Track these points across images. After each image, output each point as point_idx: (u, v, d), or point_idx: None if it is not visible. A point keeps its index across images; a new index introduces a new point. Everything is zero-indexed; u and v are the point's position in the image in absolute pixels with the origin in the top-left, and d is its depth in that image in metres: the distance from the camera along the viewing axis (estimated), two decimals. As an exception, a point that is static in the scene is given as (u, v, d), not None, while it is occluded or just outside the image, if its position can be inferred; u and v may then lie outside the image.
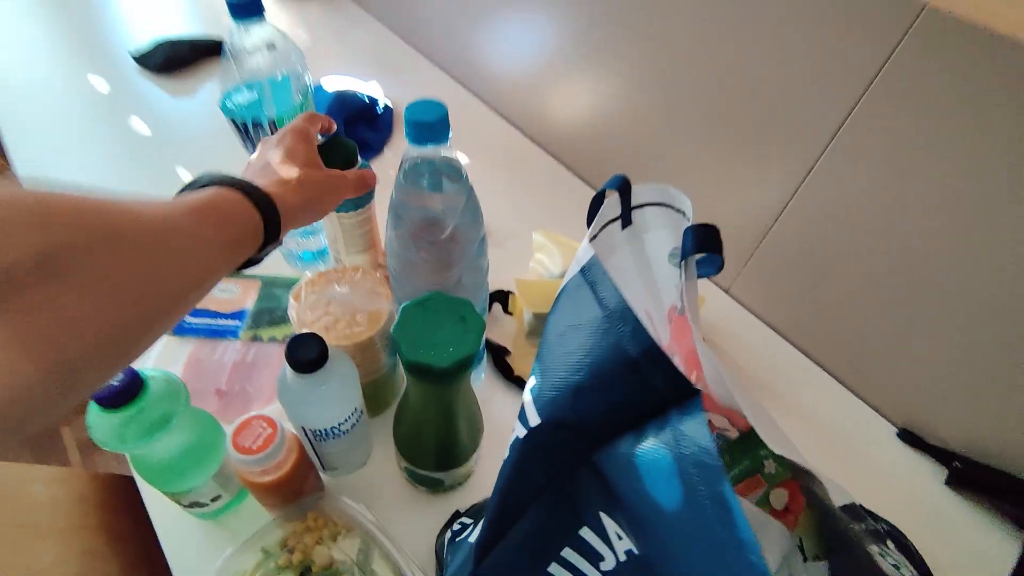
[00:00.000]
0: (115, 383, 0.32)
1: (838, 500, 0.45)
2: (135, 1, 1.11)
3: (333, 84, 0.90)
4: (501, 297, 0.65)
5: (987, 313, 0.49)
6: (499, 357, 0.60)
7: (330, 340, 0.43)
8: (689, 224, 0.36)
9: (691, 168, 0.68)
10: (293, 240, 0.63)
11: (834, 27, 0.49)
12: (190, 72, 0.94)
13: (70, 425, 1.38)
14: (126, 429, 0.33)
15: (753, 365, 0.66)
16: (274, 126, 0.51)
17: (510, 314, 0.65)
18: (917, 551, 0.50)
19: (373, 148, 0.85)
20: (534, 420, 0.28)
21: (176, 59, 0.93)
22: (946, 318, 0.52)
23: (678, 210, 0.37)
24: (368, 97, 0.87)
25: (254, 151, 0.54)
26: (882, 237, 0.54)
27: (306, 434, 0.43)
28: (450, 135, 0.35)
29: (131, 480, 0.53)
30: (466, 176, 0.38)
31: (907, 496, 0.57)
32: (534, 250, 0.68)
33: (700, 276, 0.42)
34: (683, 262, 0.34)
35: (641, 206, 0.40)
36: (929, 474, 0.58)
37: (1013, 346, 0.48)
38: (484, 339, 0.60)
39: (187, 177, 0.77)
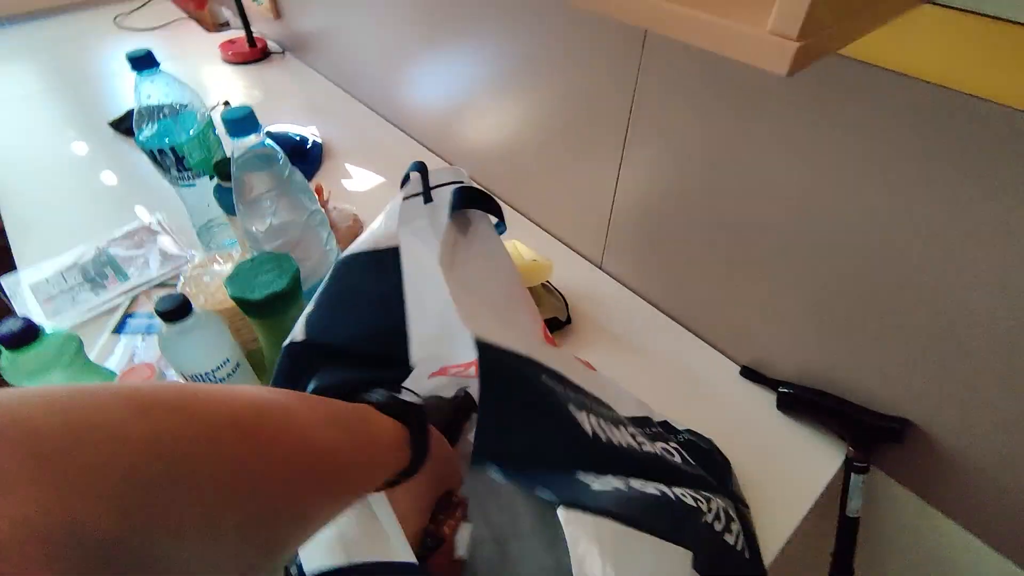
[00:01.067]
0: (14, 328, 0.44)
1: (630, 413, 0.53)
2: (120, 79, 1.31)
3: (276, 129, 1.05)
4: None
5: (803, 252, 0.57)
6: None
7: (206, 306, 0.54)
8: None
9: (552, 169, 0.80)
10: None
11: (601, 56, 0.61)
12: (157, 132, 1.11)
13: None
14: (25, 366, 0.45)
15: (620, 327, 0.74)
16: (175, 152, 0.64)
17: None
18: (723, 457, 0.57)
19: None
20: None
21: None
22: (771, 262, 0.60)
23: (462, 181, 0.48)
24: (299, 136, 1.02)
25: (166, 175, 0.68)
26: (697, 201, 0.63)
27: (187, 381, 0.53)
28: (258, 128, 0.47)
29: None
30: (283, 159, 0.49)
31: (742, 422, 0.64)
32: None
33: (500, 234, 0.52)
34: (450, 215, 0.45)
35: (441, 185, 0.52)
36: (766, 403, 0.65)
37: (829, 283, 0.55)
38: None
39: (143, 215, 0.91)
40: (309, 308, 0.40)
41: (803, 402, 0.63)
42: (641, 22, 0.33)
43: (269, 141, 0.49)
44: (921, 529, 0.61)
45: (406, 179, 0.49)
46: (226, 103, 1.22)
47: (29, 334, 0.45)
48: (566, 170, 0.78)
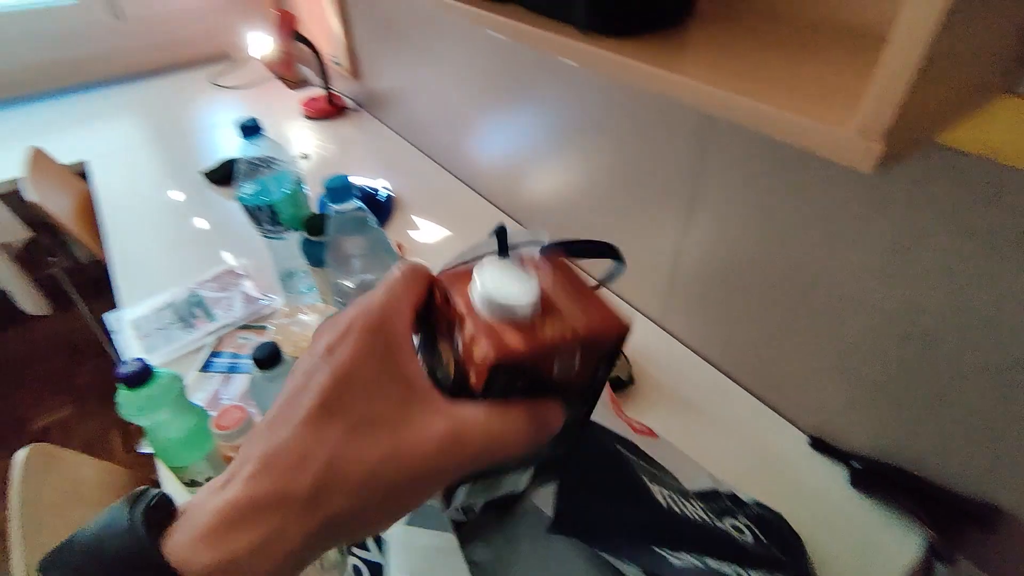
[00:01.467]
0: (133, 369, 0.49)
1: (698, 486, 0.53)
2: (212, 132, 1.44)
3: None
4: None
5: (876, 323, 0.57)
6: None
7: (294, 353, 0.58)
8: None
9: (615, 226, 0.82)
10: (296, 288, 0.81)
11: (668, 126, 0.64)
12: (244, 182, 1.21)
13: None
14: (137, 403, 0.49)
15: (683, 389, 0.74)
16: (271, 209, 0.70)
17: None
18: (794, 534, 0.55)
19: (374, 228, 1.05)
20: None
21: (233, 172, 1.20)
22: (840, 332, 0.59)
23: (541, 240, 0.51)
24: (371, 188, 1.09)
25: (259, 228, 0.74)
26: (762, 265, 0.64)
27: (272, 424, 0.57)
28: (353, 196, 0.52)
29: (156, 482, 0.68)
30: (374, 223, 0.54)
31: (813, 496, 0.61)
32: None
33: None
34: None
35: (518, 245, 0.54)
36: (837, 478, 0.63)
37: (905, 355, 0.55)
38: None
39: (229, 259, 0.98)
40: None
41: (878, 479, 0.60)
42: (727, 116, 0.35)
43: (362, 206, 0.53)
44: (1015, 629, 0.56)
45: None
46: (305, 156, 1.31)
47: (144, 375, 0.49)
48: (629, 228, 0.80)
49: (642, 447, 0.56)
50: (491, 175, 1.09)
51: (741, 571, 0.40)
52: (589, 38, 0.44)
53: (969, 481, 0.54)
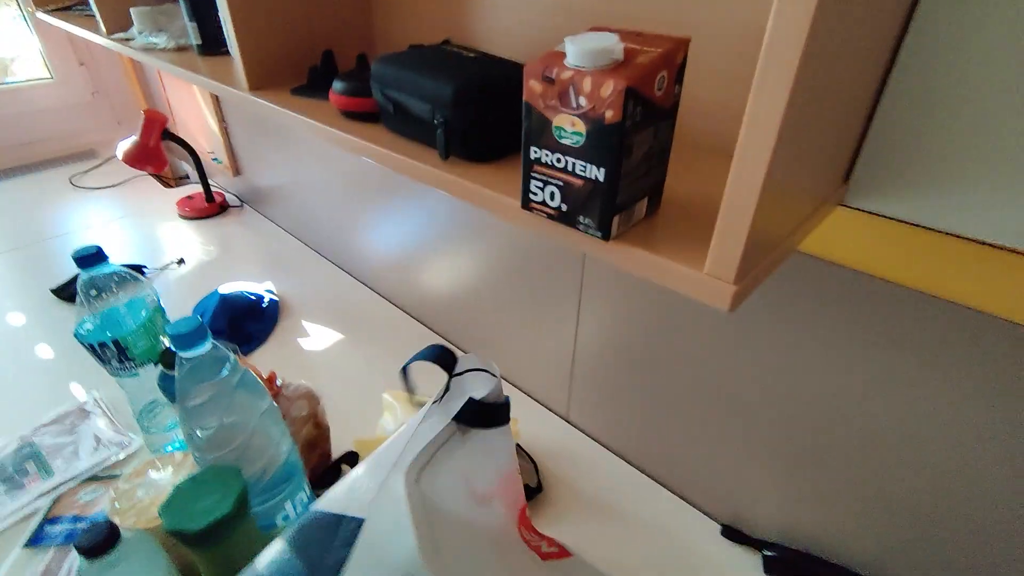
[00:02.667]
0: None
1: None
2: (71, 239, 1.29)
3: (229, 288, 1.04)
4: (351, 458, 0.71)
5: (771, 415, 0.58)
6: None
7: (138, 524, 0.49)
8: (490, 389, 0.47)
9: (511, 319, 0.81)
10: (160, 436, 0.70)
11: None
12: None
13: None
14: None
15: (592, 487, 0.71)
16: (118, 344, 0.61)
17: (359, 473, 0.70)
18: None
19: (258, 339, 0.96)
20: None
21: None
22: (738, 421, 0.60)
23: (491, 373, 0.48)
24: (254, 295, 1.01)
25: (105, 366, 0.64)
26: (659, 357, 0.64)
27: (110, 622, 0.46)
28: (207, 341, 0.46)
29: None
30: (232, 362, 0.48)
31: (731, 593, 0.60)
32: (383, 409, 0.76)
33: None
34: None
35: (463, 373, 0.51)
36: (752, 566, 0.62)
37: (813, 444, 0.55)
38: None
39: (79, 394, 0.85)
40: (270, 556, 0.36)
41: (790, 566, 0.60)
42: (587, 251, 0.34)
43: (219, 345, 0.47)
44: None
45: (405, 369, 0.48)
46: (180, 261, 1.21)
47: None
48: (525, 321, 0.79)
49: (555, 571, 0.52)
50: (384, 271, 1.05)
51: None
52: (448, 165, 0.43)
53: (875, 565, 0.55)
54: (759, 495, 0.62)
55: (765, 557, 0.61)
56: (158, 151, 1.33)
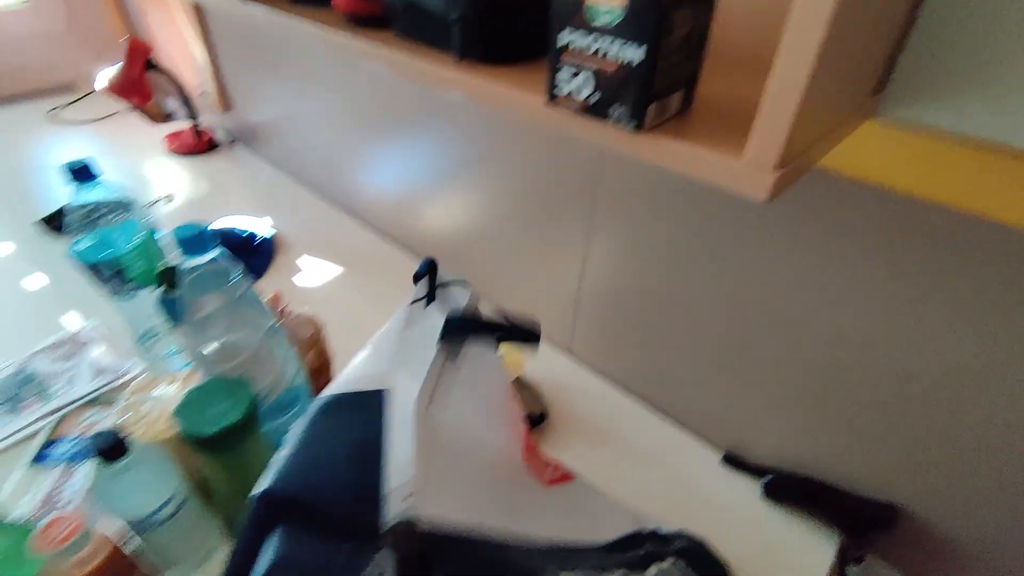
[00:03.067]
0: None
1: (618, 532, 0.50)
2: (52, 174, 1.25)
3: (224, 224, 1.01)
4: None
5: (776, 340, 0.58)
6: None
7: (147, 436, 0.48)
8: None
9: (516, 256, 0.79)
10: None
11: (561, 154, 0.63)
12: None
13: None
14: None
15: (596, 418, 0.72)
16: (115, 264, 0.59)
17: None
18: (720, 561, 0.54)
19: (255, 273, 0.94)
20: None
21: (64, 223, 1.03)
22: (743, 348, 0.60)
23: (463, 285, 0.48)
24: (248, 231, 0.98)
25: (103, 288, 0.63)
26: (665, 287, 0.64)
27: (125, 526, 0.46)
28: (213, 247, 0.44)
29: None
30: (236, 276, 0.46)
31: (729, 513, 0.61)
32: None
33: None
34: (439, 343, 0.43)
35: (446, 284, 0.51)
36: (751, 492, 0.64)
37: (810, 369, 0.56)
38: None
39: (74, 323, 0.83)
40: (283, 452, 0.36)
41: (789, 490, 0.61)
42: (615, 148, 0.33)
43: (222, 256, 0.46)
44: (921, 617, 0.59)
45: (418, 275, 0.49)
46: (168, 197, 1.17)
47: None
48: (531, 257, 0.78)
49: (554, 501, 0.52)
50: (383, 208, 1.03)
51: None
52: (465, 67, 0.41)
53: (870, 483, 0.56)
54: (760, 424, 0.63)
55: (764, 483, 0.62)
56: (142, 82, 1.27)
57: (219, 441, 0.40)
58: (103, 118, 1.53)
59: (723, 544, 0.55)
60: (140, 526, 0.47)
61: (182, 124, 1.45)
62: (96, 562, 0.44)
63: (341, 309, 0.87)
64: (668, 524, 0.56)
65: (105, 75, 1.25)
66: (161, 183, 1.24)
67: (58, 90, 1.71)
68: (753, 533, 0.60)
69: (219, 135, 1.43)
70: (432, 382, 0.42)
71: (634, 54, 0.29)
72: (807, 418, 0.58)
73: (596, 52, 0.30)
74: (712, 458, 0.67)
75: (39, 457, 0.63)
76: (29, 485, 0.60)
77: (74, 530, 0.42)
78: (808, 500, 0.61)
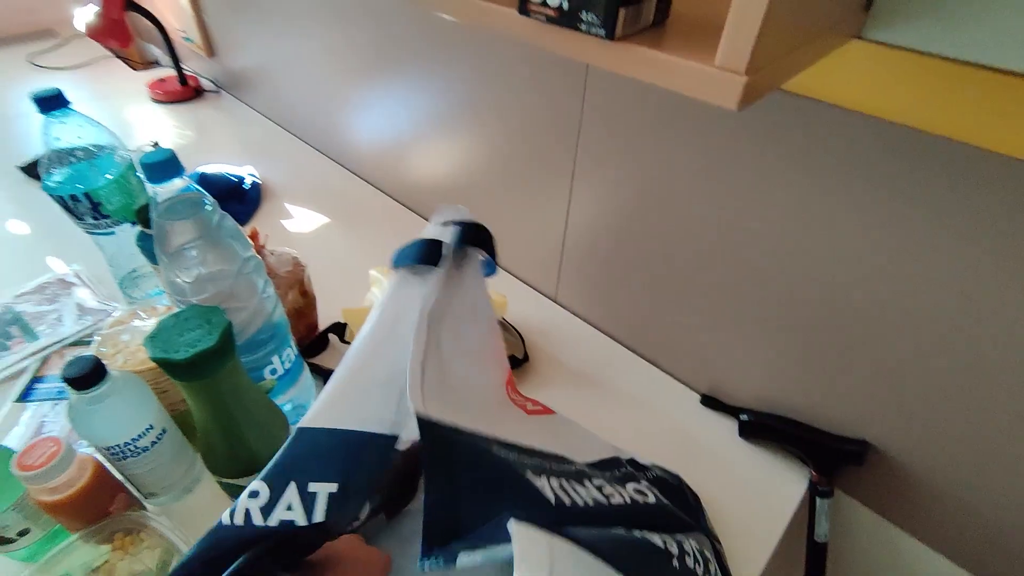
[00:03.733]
0: None
1: (597, 456, 0.51)
2: (32, 120, 1.22)
3: (211, 170, 1.00)
4: (338, 328, 0.71)
5: (754, 280, 0.58)
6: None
7: (125, 367, 0.49)
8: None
9: (502, 202, 0.78)
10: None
11: (545, 90, 0.61)
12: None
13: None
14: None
15: (578, 361, 0.72)
16: (90, 198, 0.59)
17: (347, 343, 0.71)
18: (692, 493, 0.55)
19: (240, 220, 0.93)
20: None
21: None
22: (723, 291, 0.60)
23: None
24: (235, 176, 0.97)
25: (80, 223, 0.62)
26: (647, 230, 0.63)
27: (104, 454, 0.47)
28: (182, 172, 0.43)
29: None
30: (210, 205, 0.46)
31: (706, 451, 0.63)
32: (370, 284, 0.75)
33: (486, 276, 0.51)
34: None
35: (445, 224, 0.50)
36: (728, 431, 0.65)
37: (781, 308, 0.56)
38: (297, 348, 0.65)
39: (58, 267, 0.83)
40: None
41: (764, 428, 0.63)
42: (588, 59, 0.32)
43: (194, 185, 0.45)
44: (887, 549, 0.61)
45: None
46: (155, 144, 1.15)
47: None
48: (516, 204, 0.77)
49: (537, 426, 0.53)
50: (370, 155, 1.01)
51: (641, 534, 0.39)
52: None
53: (841, 423, 0.57)
54: (738, 365, 0.63)
55: (740, 421, 0.63)
56: (122, 24, 1.22)
57: (193, 367, 0.40)
58: (85, 64, 1.48)
59: (700, 479, 0.57)
60: (119, 454, 0.47)
61: (165, 71, 1.41)
62: (81, 483, 0.45)
63: (327, 254, 0.86)
64: (645, 458, 0.57)
65: (83, 16, 1.21)
66: (146, 130, 1.22)
67: (37, 35, 1.65)
68: (729, 469, 0.61)
69: (205, 82, 1.39)
70: (436, 289, 0.42)
71: (604, -48, 0.27)
72: (783, 359, 0.59)
73: (566, -47, 0.29)
74: (692, 399, 0.68)
75: (25, 394, 0.64)
76: (16, 420, 0.61)
77: (54, 453, 0.43)
78: (782, 437, 0.62)
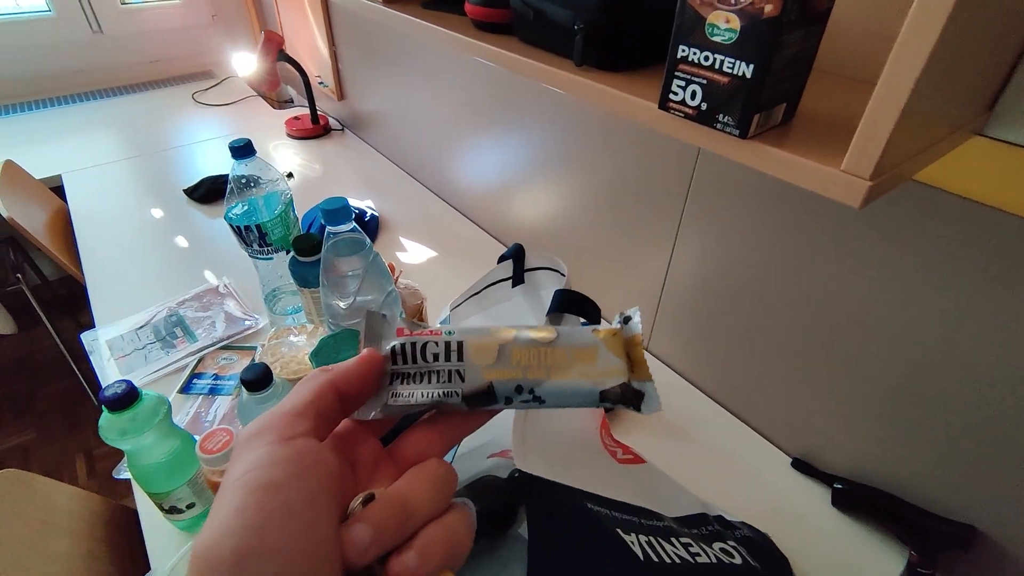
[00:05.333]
0: (118, 391, 0.47)
1: (685, 511, 0.53)
2: (195, 151, 1.43)
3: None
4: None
5: (858, 351, 0.59)
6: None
7: (282, 374, 0.58)
8: (562, 286, 0.51)
9: (601, 249, 0.84)
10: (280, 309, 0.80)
11: (656, 151, 0.67)
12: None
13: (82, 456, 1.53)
14: (121, 426, 0.48)
15: (668, 412, 0.75)
16: (259, 229, 0.70)
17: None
18: (781, 555, 0.55)
19: (360, 248, 1.04)
20: None
21: (215, 190, 1.19)
22: (824, 357, 0.61)
23: (562, 273, 0.52)
24: (356, 208, 1.09)
25: (247, 249, 0.74)
26: (748, 291, 0.66)
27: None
28: (351, 218, 0.52)
29: (132, 511, 0.65)
30: (369, 245, 0.54)
31: (796, 516, 0.63)
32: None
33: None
34: (548, 316, 0.48)
35: (534, 269, 0.56)
36: (819, 498, 0.64)
37: (889, 382, 0.57)
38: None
39: (211, 278, 0.97)
40: None
41: (860, 501, 0.62)
42: (721, 153, 0.36)
43: (357, 227, 0.54)
44: (992, 647, 0.57)
45: (504, 257, 0.54)
46: (290, 175, 1.31)
47: (130, 397, 0.48)
48: (616, 251, 0.81)
49: (628, 478, 0.56)
50: (478, 197, 1.10)
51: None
52: (584, 72, 0.46)
53: (945, 502, 0.56)
54: (833, 432, 0.63)
55: (834, 490, 0.63)
56: (274, 71, 1.42)
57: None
58: (235, 101, 1.71)
59: (788, 545, 0.57)
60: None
61: (299, 110, 1.61)
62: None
63: (438, 284, 0.95)
64: (733, 516, 0.58)
65: (241, 63, 1.41)
66: (282, 162, 1.39)
67: (199, 75, 1.93)
68: (819, 538, 0.61)
69: (332, 122, 1.56)
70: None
71: (745, 69, 0.32)
72: (883, 430, 0.58)
73: (711, 65, 0.34)
74: (783, 461, 0.68)
75: (185, 387, 0.76)
76: (179, 409, 0.72)
77: (228, 441, 0.52)
78: (879, 511, 0.61)
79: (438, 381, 0.22)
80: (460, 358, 0.22)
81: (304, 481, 0.18)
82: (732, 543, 0.51)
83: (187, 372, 0.78)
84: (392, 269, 0.67)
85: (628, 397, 0.21)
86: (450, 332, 0.23)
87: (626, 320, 0.23)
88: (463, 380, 0.22)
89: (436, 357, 0.22)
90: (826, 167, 0.32)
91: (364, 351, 0.23)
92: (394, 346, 0.23)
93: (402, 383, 0.23)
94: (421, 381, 0.22)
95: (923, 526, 0.57)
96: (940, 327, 0.50)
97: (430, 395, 0.22)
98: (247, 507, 0.17)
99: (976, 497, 0.53)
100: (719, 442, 0.71)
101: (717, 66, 0.34)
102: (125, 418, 0.48)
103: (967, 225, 0.45)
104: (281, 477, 0.18)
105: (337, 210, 0.50)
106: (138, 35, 1.83)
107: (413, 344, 0.22)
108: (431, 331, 0.23)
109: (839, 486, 0.63)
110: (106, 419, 0.48)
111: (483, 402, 0.22)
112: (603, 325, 0.23)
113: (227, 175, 0.70)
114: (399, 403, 0.22)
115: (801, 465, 0.67)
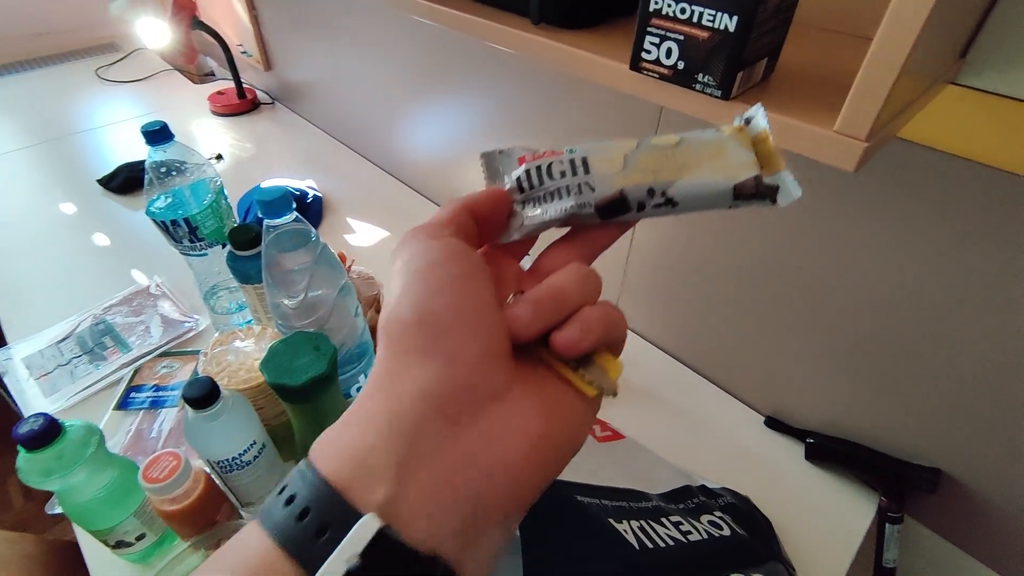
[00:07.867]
0: (35, 427, 0.41)
1: (669, 485, 0.53)
2: (106, 135, 1.28)
3: (270, 184, 1.04)
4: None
5: (826, 304, 0.59)
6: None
7: (230, 385, 0.52)
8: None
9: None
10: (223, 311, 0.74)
11: (619, 120, 0.63)
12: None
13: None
14: (44, 466, 0.42)
15: (641, 380, 0.74)
16: (189, 223, 0.62)
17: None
18: (764, 517, 0.56)
19: (305, 233, 0.97)
20: None
21: (135, 178, 1.07)
22: (791, 314, 0.61)
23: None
24: (297, 190, 1.01)
25: (177, 245, 0.66)
26: (714, 255, 0.64)
27: (213, 467, 0.51)
28: (292, 209, 0.46)
29: (74, 544, 0.59)
30: (316, 236, 0.49)
31: (773, 474, 0.63)
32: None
33: None
34: None
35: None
36: (793, 454, 0.66)
37: (853, 333, 0.57)
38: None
39: (140, 279, 0.88)
40: None
41: (832, 453, 0.63)
42: (700, 116, 0.33)
43: (301, 217, 0.48)
44: (957, 577, 0.61)
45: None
46: (219, 156, 1.20)
47: (51, 433, 0.42)
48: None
49: (609, 457, 0.55)
50: (426, 167, 1.04)
51: None
52: (542, 31, 0.41)
53: (910, 448, 0.58)
54: (803, 388, 0.64)
55: (807, 444, 0.64)
56: (188, 41, 1.28)
57: (305, 391, 0.43)
58: (147, 77, 1.55)
59: (767, 502, 0.58)
60: (225, 468, 0.51)
61: (222, 83, 1.47)
62: (196, 493, 0.48)
63: (389, 270, 0.89)
64: (714, 481, 0.59)
65: (148, 33, 1.27)
66: (209, 142, 1.27)
67: (101, 48, 1.74)
68: (796, 492, 0.62)
69: (262, 95, 1.44)
70: None
71: (728, 22, 0.29)
72: (852, 384, 0.59)
73: (688, 18, 0.30)
74: (756, 420, 0.69)
75: (122, 403, 0.69)
76: (117, 427, 0.66)
77: (175, 467, 0.47)
78: (850, 462, 0.62)
79: (569, 195, 0.22)
80: (587, 171, 0.22)
81: (458, 263, 0.20)
82: (718, 513, 0.51)
83: (123, 386, 0.70)
84: (343, 259, 0.62)
85: (763, 190, 0.21)
86: (571, 150, 0.22)
87: (746, 121, 0.22)
88: (593, 191, 0.22)
89: (563, 174, 0.22)
90: (819, 129, 0.29)
91: (489, 188, 0.24)
92: (519, 177, 0.23)
93: (533, 206, 0.23)
94: (552, 200, 0.22)
95: (892, 472, 0.59)
96: (901, 282, 0.50)
97: (564, 209, 0.22)
98: (415, 282, 0.20)
99: (940, 442, 0.55)
100: (693, 406, 0.71)
101: (695, 19, 0.30)
102: (48, 456, 0.42)
103: (936, 177, 0.44)
104: (438, 257, 0.20)
105: (275, 200, 0.44)
106: (14, 4, 1.61)
107: (538, 168, 0.22)
108: (551, 151, 0.23)
109: (811, 440, 0.64)
110: (24, 459, 0.42)
111: (616, 211, 0.22)
112: (724, 124, 0.22)
113: (167, 176, 0.62)
114: (535, 222, 0.23)
115: (774, 423, 0.68)
